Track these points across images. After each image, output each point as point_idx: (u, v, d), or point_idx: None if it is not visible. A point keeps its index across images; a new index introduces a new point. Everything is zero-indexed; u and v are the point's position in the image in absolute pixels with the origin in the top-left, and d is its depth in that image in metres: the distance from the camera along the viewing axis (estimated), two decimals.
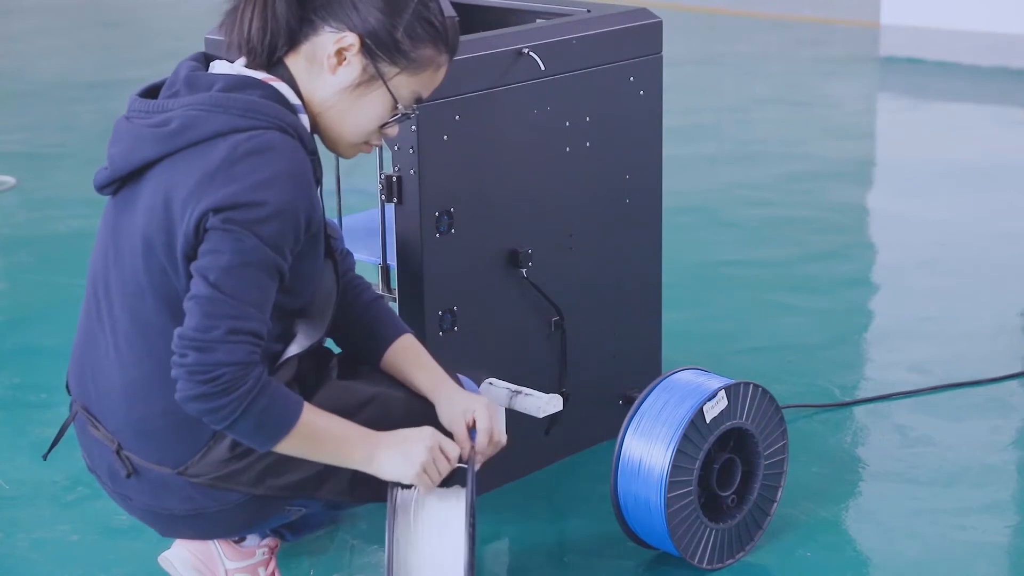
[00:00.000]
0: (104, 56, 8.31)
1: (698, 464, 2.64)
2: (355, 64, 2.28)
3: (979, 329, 3.88)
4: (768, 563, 2.75)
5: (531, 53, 2.86)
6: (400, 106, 2.33)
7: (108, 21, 9.38)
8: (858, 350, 3.84)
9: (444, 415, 2.44)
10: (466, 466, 2.38)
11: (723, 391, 2.65)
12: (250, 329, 2.15)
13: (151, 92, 2.32)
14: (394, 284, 2.85)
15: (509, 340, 2.93)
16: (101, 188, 2.31)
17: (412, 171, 2.74)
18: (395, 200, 2.77)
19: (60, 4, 9.76)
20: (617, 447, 2.69)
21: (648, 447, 2.65)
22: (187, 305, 2.16)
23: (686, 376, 2.74)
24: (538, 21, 3.05)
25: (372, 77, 2.30)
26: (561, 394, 2.92)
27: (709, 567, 2.71)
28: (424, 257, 2.77)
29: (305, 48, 2.29)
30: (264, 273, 2.17)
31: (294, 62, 2.30)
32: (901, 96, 6.94)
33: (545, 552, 2.82)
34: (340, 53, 2.27)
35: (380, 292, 2.82)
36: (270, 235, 2.15)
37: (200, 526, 2.37)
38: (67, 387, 2.43)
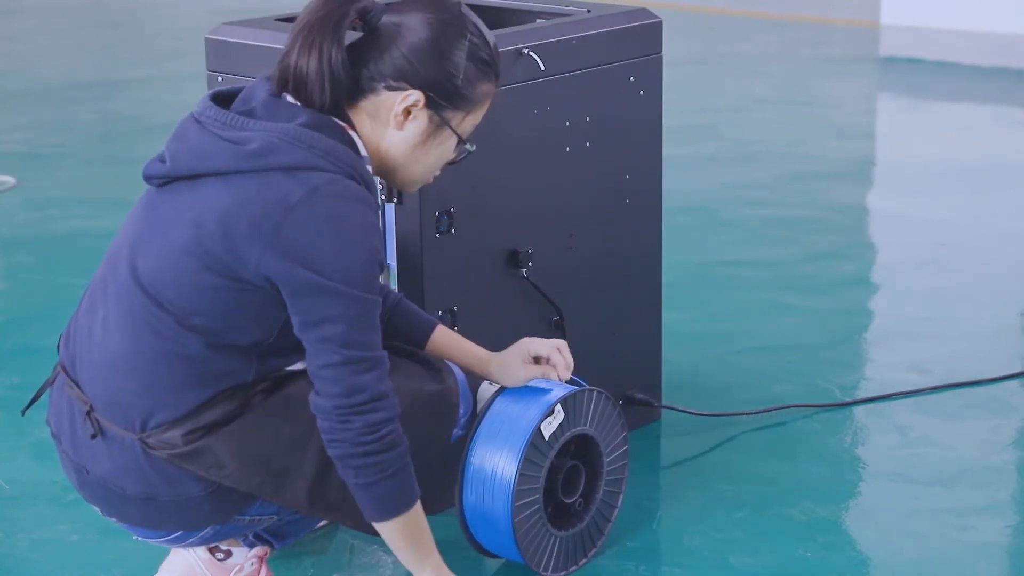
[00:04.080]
0: (104, 56, 8.32)
1: (543, 475, 2.61)
2: (421, 118, 2.32)
3: (979, 329, 3.88)
4: (768, 563, 2.75)
5: (531, 53, 2.86)
6: (467, 145, 2.39)
7: (108, 21, 9.39)
8: (858, 350, 3.84)
9: (509, 380, 2.63)
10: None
11: (559, 404, 2.61)
12: (385, 374, 2.25)
13: (222, 100, 2.32)
14: (394, 284, 2.85)
15: (509, 340, 2.93)
16: (151, 179, 2.31)
17: None
18: (395, 200, 2.77)
19: (60, 4, 9.76)
20: (463, 461, 2.65)
21: (494, 460, 2.61)
22: (321, 375, 2.22)
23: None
24: (538, 21, 3.05)
25: (439, 126, 2.34)
26: None
27: (554, 574, 2.68)
28: (424, 257, 2.78)
29: (366, 105, 2.31)
30: (374, 315, 2.24)
31: (356, 116, 2.31)
32: (901, 96, 6.94)
33: None
34: (406, 111, 2.30)
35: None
36: (362, 278, 2.21)
37: (149, 512, 2.34)
38: (57, 347, 2.45)
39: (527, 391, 2.65)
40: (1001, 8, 7.46)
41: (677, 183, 4.56)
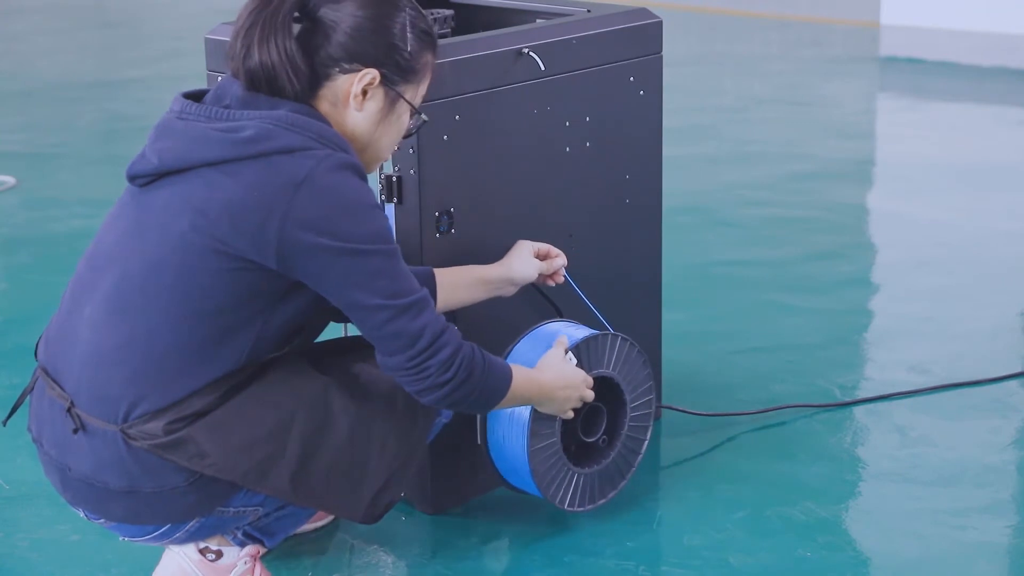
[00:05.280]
0: (104, 56, 8.32)
1: (559, 417, 2.73)
2: (378, 95, 2.39)
3: (979, 329, 3.88)
4: (768, 563, 2.75)
5: (531, 53, 2.86)
6: (423, 115, 2.47)
7: (108, 21, 9.39)
8: (858, 350, 3.84)
9: (529, 273, 2.82)
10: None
11: (571, 350, 2.73)
12: (433, 308, 2.35)
13: (194, 97, 2.37)
14: None
15: (509, 339, 2.93)
16: (137, 178, 2.34)
17: (412, 171, 2.74)
18: (395, 200, 2.77)
19: (60, 4, 9.77)
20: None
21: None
22: (380, 334, 2.32)
23: (552, 328, 2.86)
24: (538, 21, 3.05)
25: (394, 99, 2.40)
26: None
27: (571, 508, 2.80)
28: (424, 257, 2.77)
29: (324, 93, 2.37)
30: (402, 261, 2.34)
31: (318, 106, 2.37)
32: (901, 96, 6.94)
33: (545, 552, 2.82)
34: (364, 90, 2.37)
35: None
36: (380, 233, 2.30)
37: (132, 506, 2.35)
38: (35, 352, 2.47)
39: (545, 336, 2.80)
40: (1001, 8, 7.47)
41: (677, 183, 4.56)
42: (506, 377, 2.48)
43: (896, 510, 2.95)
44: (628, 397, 2.85)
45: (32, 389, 2.46)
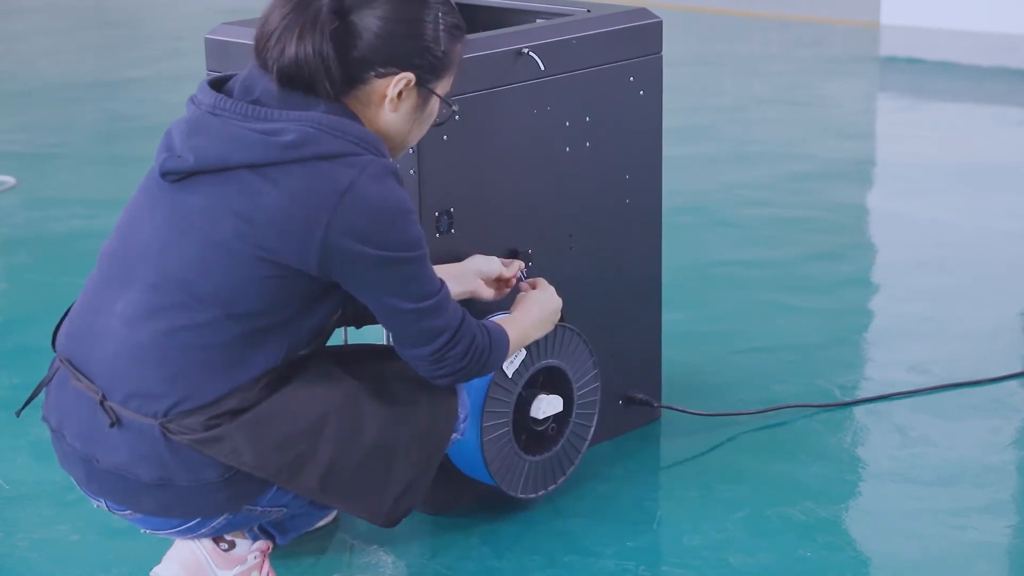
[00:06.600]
0: (104, 56, 8.32)
1: (510, 408, 2.78)
2: (412, 95, 2.39)
3: (979, 329, 3.88)
4: (768, 563, 2.75)
5: (531, 53, 2.86)
6: (454, 106, 2.50)
7: (108, 21, 9.39)
8: (858, 350, 3.84)
9: (488, 296, 2.80)
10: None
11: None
12: (451, 300, 2.42)
13: (217, 86, 2.37)
14: None
15: None
16: (169, 174, 2.33)
17: (412, 171, 2.74)
18: None
19: (60, 4, 9.77)
20: None
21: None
22: (406, 332, 2.39)
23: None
24: (538, 21, 3.05)
25: (426, 97, 2.41)
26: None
27: (521, 495, 2.85)
28: None
29: (357, 95, 2.35)
30: (428, 260, 2.38)
31: (352, 104, 2.36)
32: (901, 96, 6.94)
33: (545, 552, 2.82)
34: (400, 92, 2.36)
35: None
36: (417, 240, 2.34)
37: (163, 499, 2.35)
38: (52, 343, 2.46)
39: None
40: (1001, 8, 7.46)
41: (677, 183, 4.56)
42: (505, 344, 2.55)
43: (896, 510, 2.95)
44: (575, 386, 2.89)
45: (51, 380, 2.45)
